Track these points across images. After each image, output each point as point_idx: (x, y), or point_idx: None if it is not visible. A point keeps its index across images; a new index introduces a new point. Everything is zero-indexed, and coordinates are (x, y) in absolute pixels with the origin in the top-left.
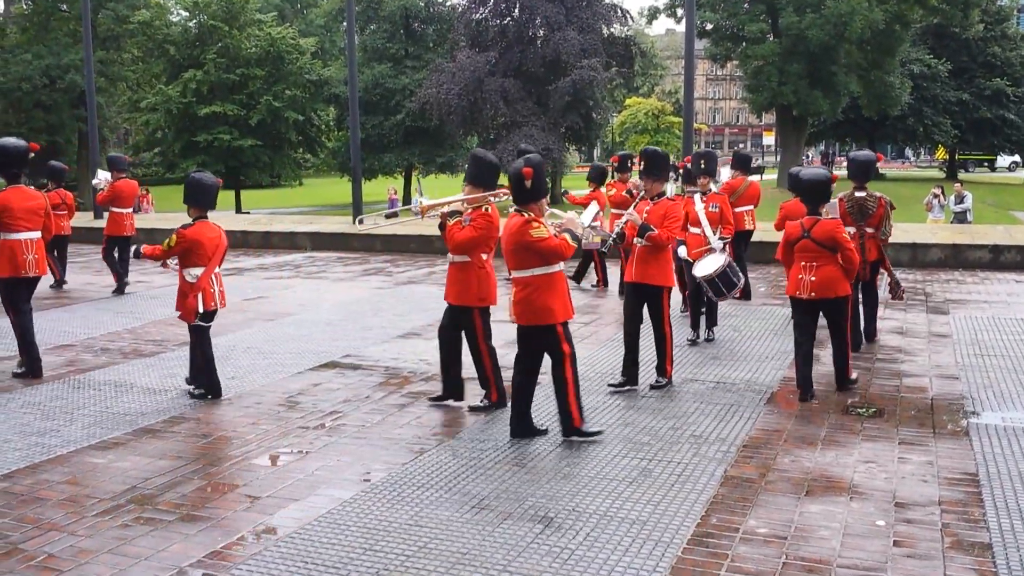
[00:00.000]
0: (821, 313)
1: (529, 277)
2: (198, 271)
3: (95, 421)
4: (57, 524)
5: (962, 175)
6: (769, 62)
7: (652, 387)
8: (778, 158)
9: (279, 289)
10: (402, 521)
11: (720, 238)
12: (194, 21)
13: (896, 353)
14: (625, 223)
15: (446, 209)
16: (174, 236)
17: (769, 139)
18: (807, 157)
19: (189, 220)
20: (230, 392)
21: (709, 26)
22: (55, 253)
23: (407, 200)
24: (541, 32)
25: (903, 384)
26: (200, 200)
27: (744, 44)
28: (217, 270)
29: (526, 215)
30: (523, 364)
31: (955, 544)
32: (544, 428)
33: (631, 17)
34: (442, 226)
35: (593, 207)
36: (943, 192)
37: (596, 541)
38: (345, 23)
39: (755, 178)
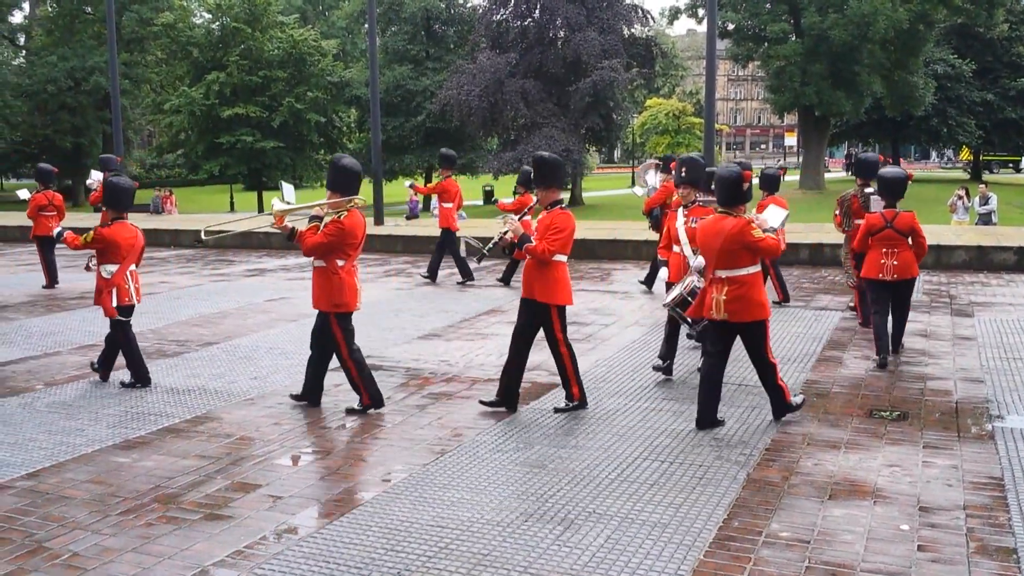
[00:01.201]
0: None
1: (744, 276)
2: (113, 268)
3: (119, 420)
4: (82, 523)
5: (987, 176)
6: (791, 62)
7: (556, 410)
8: (800, 159)
9: (301, 290)
10: (423, 522)
11: None
12: (217, 23)
13: (920, 356)
14: (505, 232)
15: (315, 212)
16: (91, 233)
17: (791, 140)
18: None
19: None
20: (253, 392)
21: (731, 26)
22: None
23: (427, 204)
24: (562, 33)
25: (927, 387)
26: (116, 203)
27: (766, 44)
28: (133, 268)
29: (743, 217)
30: (715, 358)
31: (980, 549)
32: (722, 419)
33: (652, 18)
34: (292, 234)
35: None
36: (967, 193)
37: (617, 544)
38: (367, 25)
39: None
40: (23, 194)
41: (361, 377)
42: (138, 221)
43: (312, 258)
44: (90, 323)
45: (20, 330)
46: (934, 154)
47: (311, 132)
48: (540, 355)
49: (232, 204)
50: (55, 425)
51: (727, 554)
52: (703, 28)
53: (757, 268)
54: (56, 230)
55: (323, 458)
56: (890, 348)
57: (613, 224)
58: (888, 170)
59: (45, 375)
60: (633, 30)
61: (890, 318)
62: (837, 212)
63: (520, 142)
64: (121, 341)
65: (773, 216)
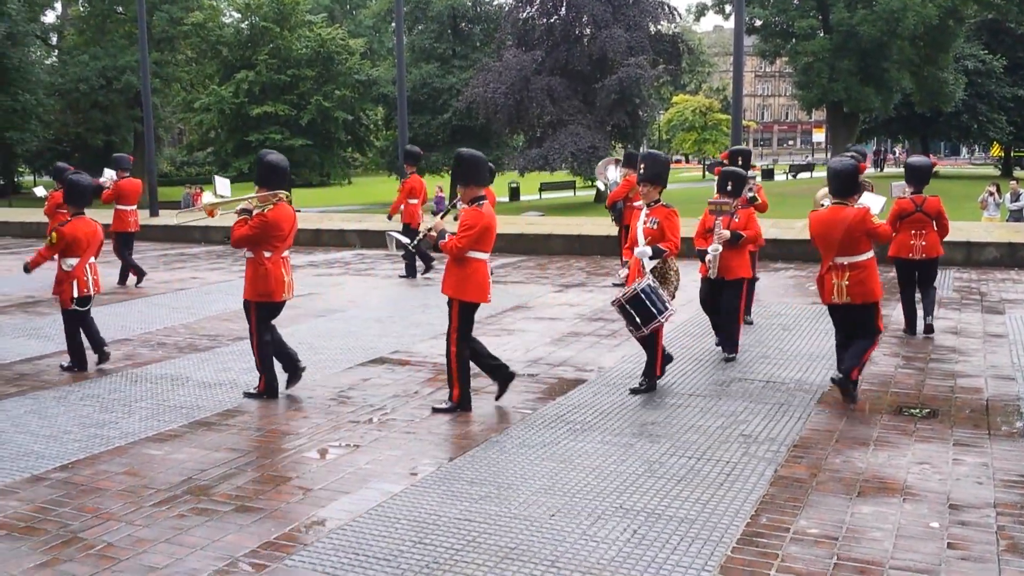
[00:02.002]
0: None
1: (864, 261)
2: (74, 261)
3: (152, 414)
4: (115, 514)
5: (1018, 172)
6: (819, 58)
7: (435, 410)
8: (828, 155)
9: (329, 286)
10: (451, 515)
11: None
12: (246, 22)
13: (950, 353)
14: (429, 230)
15: (244, 206)
16: (54, 235)
17: (819, 136)
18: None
19: (68, 217)
20: (282, 386)
21: (758, 22)
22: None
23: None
24: (588, 30)
25: (957, 384)
26: (77, 200)
27: (794, 40)
28: (93, 260)
29: (859, 206)
30: (844, 341)
31: (1011, 547)
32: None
33: (678, 14)
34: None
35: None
36: (998, 190)
37: (644, 539)
38: (394, 23)
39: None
40: (40, 191)
41: (264, 367)
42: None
43: (243, 249)
44: (123, 318)
45: (53, 325)
46: (964, 150)
47: (339, 130)
48: (567, 351)
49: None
50: (89, 418)
51: (755, 550)
52: (730, 24)
53: (872, 254)
54: (23, 265)
55: (351, 452)
56: (916, 326)
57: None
58: (915, 159)
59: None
60: (659, 27)
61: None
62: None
63: (546, 139)
64: (73, 329)
65: (874, 203)
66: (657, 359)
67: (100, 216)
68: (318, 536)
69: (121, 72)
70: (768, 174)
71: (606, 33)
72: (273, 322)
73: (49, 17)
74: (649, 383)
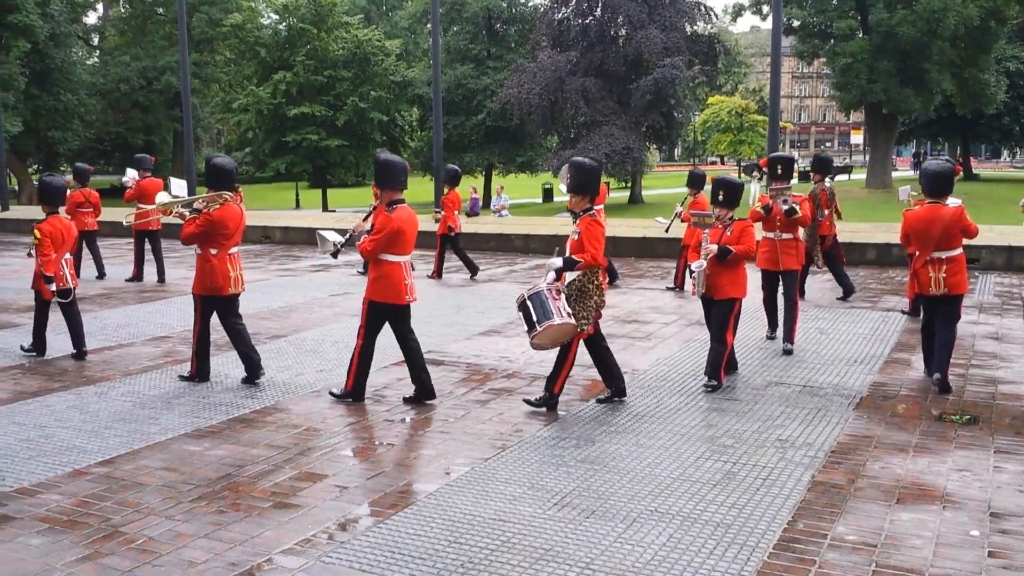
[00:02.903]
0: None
1: (958, 255)
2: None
3: (191, 410)
4: (155, 508)
5: None
6: (858, 59)
7: (331, 393)
8: (866, 158)
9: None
10: (486, 515)
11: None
12: (284, 24)
13: (991, 359)
14: (352, 230)
15: (197, 205)
16: (37, 233)
17: (857, 138)
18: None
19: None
20: (319, 384)
21: (796, 23)
22: (82, 249)
23: (487, 201)
24: (623, 31)
25: (999, 391)
26: (52, 200)
27: (832, 41)
28: (68, 256)
29: (955, 205)
30: (931, 330)
31: None
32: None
33: (715, 15)
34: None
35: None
36: None
37: (679, 543)
38: (429, 25)
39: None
40: None
41: (199, 354)
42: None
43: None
44: (162, 315)
45: (95, 321)
46: (1005, 153)
47: (374, 131)
48: None
49: (297, 201)
50: (130, 414)
51: (791, 556)
52: (767, 25)
53: (962, 249)
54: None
55: (388, 450)
56: (908, 390)
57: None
58: (931, 163)
59: (120, 365)
60: (696, 27)
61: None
62: (808, 206)
63: (580, 140)
64: (37, 316)
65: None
66: (561, 372)
67: (119, 215)
68: (354, 534)
69: (161, 72)
70: (804, 176)
71: (642, 34)
72: (295, 320)
73: (91, 18)
74: (547, 398)
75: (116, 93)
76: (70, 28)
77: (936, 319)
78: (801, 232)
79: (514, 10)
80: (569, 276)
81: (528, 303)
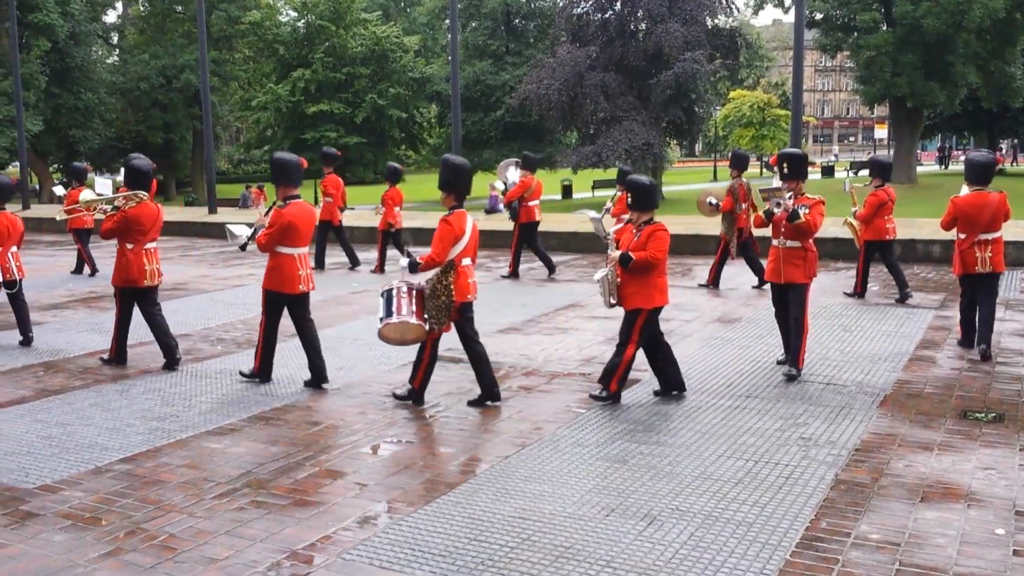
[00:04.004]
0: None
1: (1000, 237)
2: None
3: (212, 408)
4: (177, 505)
5: None
6: (882, 52)
7: (240, 373)
8: (891, 152)
9: (383, 283)
10: (506, 513)
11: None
12: (302, 21)
13: (1017, 357)
14: (256, 223)
15: (116, 203)
16: None
17: (881, 132)
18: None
19: None
20: (338, 382)
21: (818, 16)
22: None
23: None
24: (643, 25)
25: None
26: (2, 198)
27: (855, 34)
28: (15, 249)
29: (998, 192)
30: (972, 307)
31: None
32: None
33: (736, 8)
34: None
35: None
36: None
37: (701, 541)
38: (448, 21)
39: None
40: (59, 190)
41: (118, 337)
42: (229, 216)
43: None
44: (182, 314)
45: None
46: None
47: (392, 128)
48: None
49: (316, 199)
50: (151, 411)
51: (814, 555)
52: (789, 18)
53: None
54: None
55: (407, 448)
56: (933, 387)
57: (694, 219)
58: (975, 154)
59: (141, 363)
60: (717, 21)
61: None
62: (728, 199)
63: (599, 136)
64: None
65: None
66: (420, 368)
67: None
68: (374, 531)
69: (180, 71)
70: (828, 171)
71: (662, 28)
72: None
73: (110, 17)
74: (412, 393)
75: (136, 91)
76: (90, 27)
77: (979, 295)
78: (722, 227)
79: (533, 5)
80: (427, 275)
81: (382, 298)
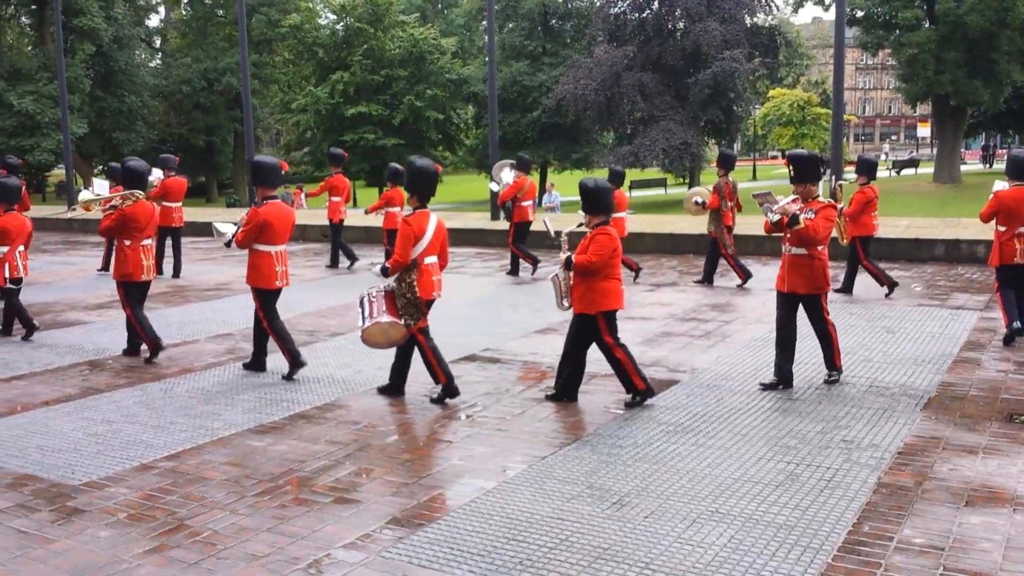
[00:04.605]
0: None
1: None
2: (4, 249)
3: (254, 406)
4: (220, 502)
5: None
6: (925, 50)
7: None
8: (934, 151)
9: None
10: (544, 513)
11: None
12: (341, 24)
13: None
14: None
15: (114, 202)
16: None
17: (924, 131)
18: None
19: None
20: (377, 381)
21: (859, 13)
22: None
23: (539, 200)
24: (681, 24)
25: None
26: (5, 198)
27: (897, 32)
28: (22, 248)
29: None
30: (1019, 293)
31: None
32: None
33: (775, 6)
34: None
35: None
36: None
37: (741, 544)
38: (485, 22)
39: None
40: (100, 185)
41: (143, 330)
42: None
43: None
44: (224, 313)
45: (160, 319)
46: None
47: (430, 129)
48: (659, 351)
49: (355, 200)
50: (194, 409)
51: (856, 559)
52: (829, 16)
53: None
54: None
55: (445, 447)
56: (978, 389)
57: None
58: (1018, 151)
59: (184, 362)
60: (756, 19)
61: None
62: (714, 196)
63: (637, 136)
64: (5, 304)
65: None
66: (431, 363)
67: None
68: (413, 529)
69: (222, 74)
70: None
71: (700, 27)
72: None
73: (153, 21)
74: (445, 388)
75: (178, 94)
76: (133, 31)
77: (1018, 286)
78: (710, 225)
79: (569, 5)
80: (387, 279)
81: (359, 301)
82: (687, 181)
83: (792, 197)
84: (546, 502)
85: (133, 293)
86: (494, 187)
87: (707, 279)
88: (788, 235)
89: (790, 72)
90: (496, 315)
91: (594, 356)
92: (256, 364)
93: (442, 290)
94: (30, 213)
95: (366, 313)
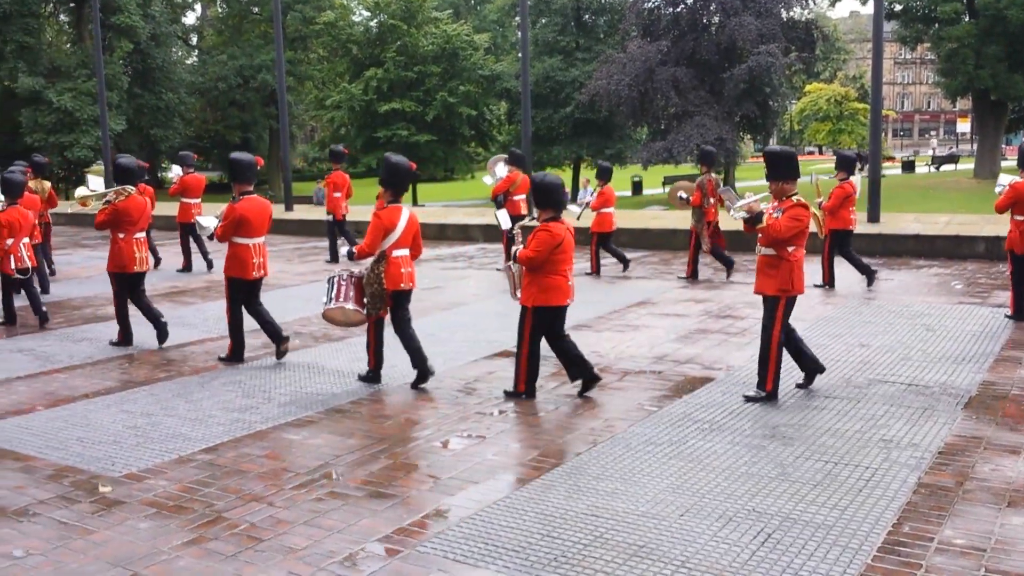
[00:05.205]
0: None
1: None
2: (10, 241)
3: (290, 400)
4: (257, 495)
5: None
6: (964, 44)
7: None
8: (974, 147)
9: (454, 279)
10: (578, 510)
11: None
12: (375, 21)
13: None
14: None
15: (108, 198)
16: None
17: (964, 126)
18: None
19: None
20: (411, 376)
21: (898, 7)
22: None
23: (573, 194)
24: (716, 18)
25: None
26: (10, 193)
27: (937, 25)
28: (26, 240)
29: None
30: None
31: None
32: None
33: (812, 0)
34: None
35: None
36: None
37: (778, 543)
38: (518, 18)
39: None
40: (175, 171)
41: (121, 322)
42: (304, 213)
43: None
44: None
45: (197, 313)
46: None
47: (462, 125)
48: (694, 348)
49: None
50: (231, 403)
51: (896, 559)
52: (867, 9)
53: None
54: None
55: (479, 443)
56: (1020, 387)
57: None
58: None
59: (221, 355)
60: (792, 13)
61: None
62: (697, 193)
63: (670, 131)
64: (3, 292)
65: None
66: (370, 350)
67: (168, 208)
68: (448, 524)
69: (257, 71)
70: (909, 166)
71: (735, 21)
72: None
73: (189, 18)
74: (370, 373)
75: (214, 91)
76: (170, 28)
77: None
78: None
79: (603, 0)
80: (367, 264)
81: (328, 282)
82: (723, 177)
83: (759, 195)
84: (580, 499)
85: (125, 284)
86: (488, 181)
87: (692, 274)
88: (760, 235)
89: (827, 67)
90: None
91: (628, 353)
92: (235, 356)
93: (415, 281)
94: (62, 208)
95: (332, 294)
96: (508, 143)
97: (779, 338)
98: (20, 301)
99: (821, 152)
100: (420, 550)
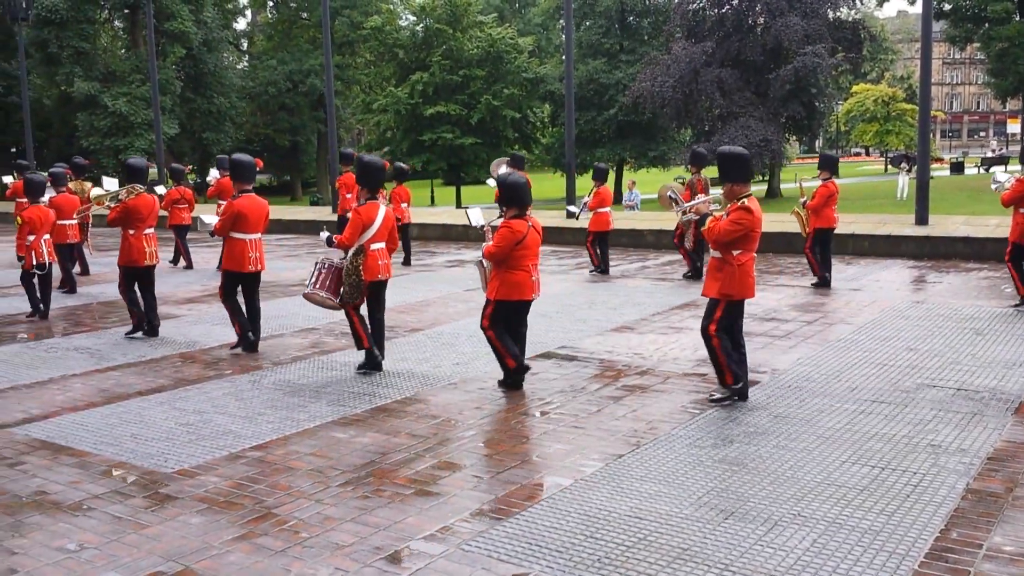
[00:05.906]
0: None
1: None
2: (31, 237)
3: (338, 399)
4: (305, 492)
5: None
6: (1015, 44)
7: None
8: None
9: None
10: (621, 512)
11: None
12: (421, 25)
13: None
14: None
15: (120, 197)
16: (19, 219)
17: (1014, 127)
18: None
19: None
20: (455, 377)
21: (947, 6)
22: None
23: (618, 196)
24: (761, 19)
25: None
26: (33, 193)
27: (987, 25)
28: (47, 237)
29: None
30: None
31: None
32: None
33: (860, 0)
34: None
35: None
36: None
37: (824, 548)
38: (562, 20)
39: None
40: (160, 190)
41: (132, 311)
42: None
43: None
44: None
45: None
46: None
47: (506, 128)
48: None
49: (432, 198)
50: (280, 401)
51: (944, 566)
52: (916, 9)
53: None
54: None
55: (522, 443)
56: None
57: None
58: None
59: (271, 355)
60: (839, 13)
61: None
62: (686, 193)
63: (715, 133)
64: (25, 284)
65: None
66: (357, 330)
67: (207, 208)
68: (492, 524)
69: (306, 75)
70: (957, 167)
71: (781, 22)
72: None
73: (240, 24)
74: (368, 355)
75: (264, 96)
76: (221, 34)
77: None
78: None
79: (647, 2)
80: (348, 254)
81: (313, 267)
82: (767, 179)
83: (705, 198)
84: (624, 500)
85: (133, 279)
86: (491, 183)
87: (695, 274)
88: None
89: (874, 67)
90: (572, 312)
91: (671, 355)
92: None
93: (390, 272)
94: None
95: (314, 279)
96: (551, 145)
97: (717, 336)
98: (72, 300)
99: (868, 153)
100: (464, 549)
